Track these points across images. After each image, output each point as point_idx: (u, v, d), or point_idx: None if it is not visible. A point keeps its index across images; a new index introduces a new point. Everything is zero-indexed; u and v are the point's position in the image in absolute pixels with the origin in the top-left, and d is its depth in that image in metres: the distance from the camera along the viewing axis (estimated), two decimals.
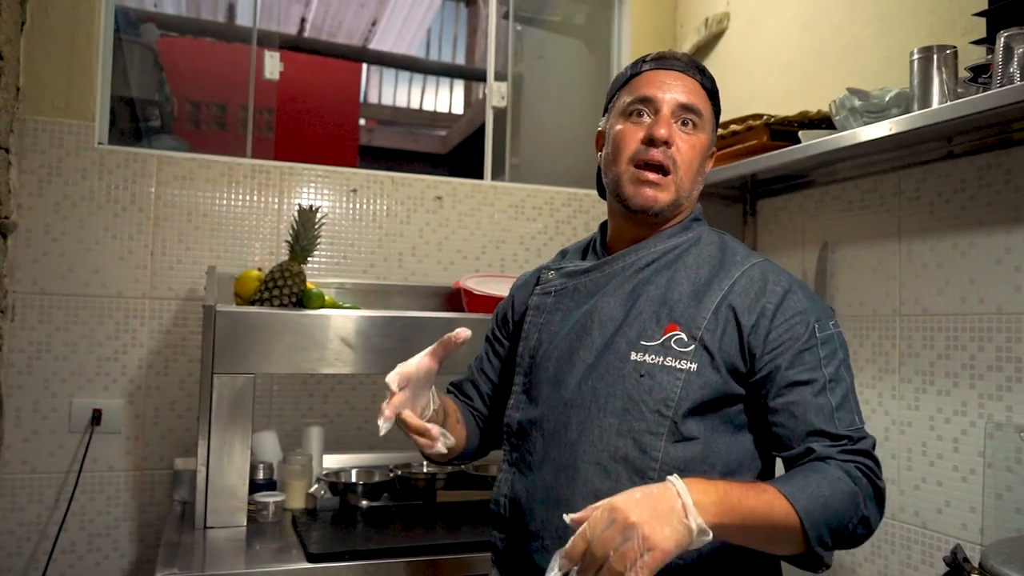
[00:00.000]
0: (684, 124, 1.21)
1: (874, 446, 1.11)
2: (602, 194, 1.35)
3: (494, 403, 1.43)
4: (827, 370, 1.11)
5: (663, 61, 1.25)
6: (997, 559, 1.25)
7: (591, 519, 0.89)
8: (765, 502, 0.97)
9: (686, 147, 1.20)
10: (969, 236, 1.77)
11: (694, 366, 1.11)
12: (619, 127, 1.23)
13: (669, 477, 0.94)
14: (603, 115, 1.33)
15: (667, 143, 1.18)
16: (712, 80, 1.28)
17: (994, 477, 1.66)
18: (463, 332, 1.12)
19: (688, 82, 1.23)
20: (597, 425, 1.13)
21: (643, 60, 1.27)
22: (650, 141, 1.19)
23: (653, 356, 1.13)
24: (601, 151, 1.31)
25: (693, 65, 1.26)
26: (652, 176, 1.19)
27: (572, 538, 0.89)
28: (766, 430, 1.13)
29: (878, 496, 1.08)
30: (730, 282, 1.16)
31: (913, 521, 1.86)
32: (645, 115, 1.21)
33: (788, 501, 0.98)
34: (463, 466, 2.31)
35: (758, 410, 1.14)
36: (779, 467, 1.17)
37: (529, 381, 1.26)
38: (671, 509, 0.89)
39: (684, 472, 1.07)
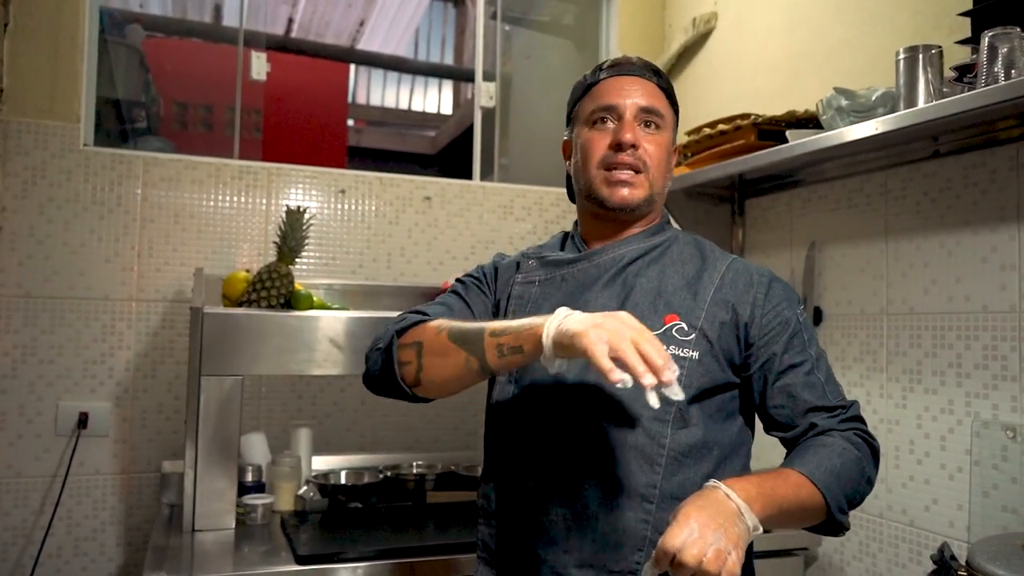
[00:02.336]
0: (647, 126, 1.25)
1: (859, 409, 1.21)
2: (572, 198, 1.40)
3: None
4: (811, 350, 1.20)
5: (620, 67, 1.29)
6: (984, 557, 1.26)
7: (670, 532, 0.92)
8: (793, 485, 1.06)
9: (653, 147, 1.25)
10: (955, 235, 1.78)
11: (696, 354, 1.16)
12: (585, 135, 1.28)
13: (710, 482, 1.02)
14: (567, 125, 1.37)
15: (634, 146, 1.23)
16: (668, 81, 1.33)
17: (981, 475, 1.67)
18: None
19: (646, 85, 1.27)
20: (604, 414, 1.15)
21: (600, 68, 1.31)
22: (618, 146, 1.23)
23: None
24: (569, 159, 1.35)
25: (649, 68, 1.30)
26: (624, 175, 1.23)
27: (656, 552, 0.92)
28: (764, 413, 1.21)
29: (875, 455, 1.18)
30: (719, 276, 1.22)
31: (900, 519, 1.87)
32: (609, 121, 1.26)
33: (810, 480, 1.07)
34: (453, 467, 2.31)
35: (757, 395, 1.21)
36: (763, 450, 1.18)
37: (519, 371, 1.25)
38: (731, 511, 0.96)
39: (687, 457, 1.14)
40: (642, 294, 1.20)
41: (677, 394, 0.95)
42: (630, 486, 1.13)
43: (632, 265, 1.24)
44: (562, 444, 1.17)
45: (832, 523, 1.10)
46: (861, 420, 1.19)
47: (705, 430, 1.16)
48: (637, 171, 1.23)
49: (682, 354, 1.15)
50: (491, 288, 1.36)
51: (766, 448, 1.36)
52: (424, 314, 1.26)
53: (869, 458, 1.16)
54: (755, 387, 1.20)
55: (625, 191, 1.23)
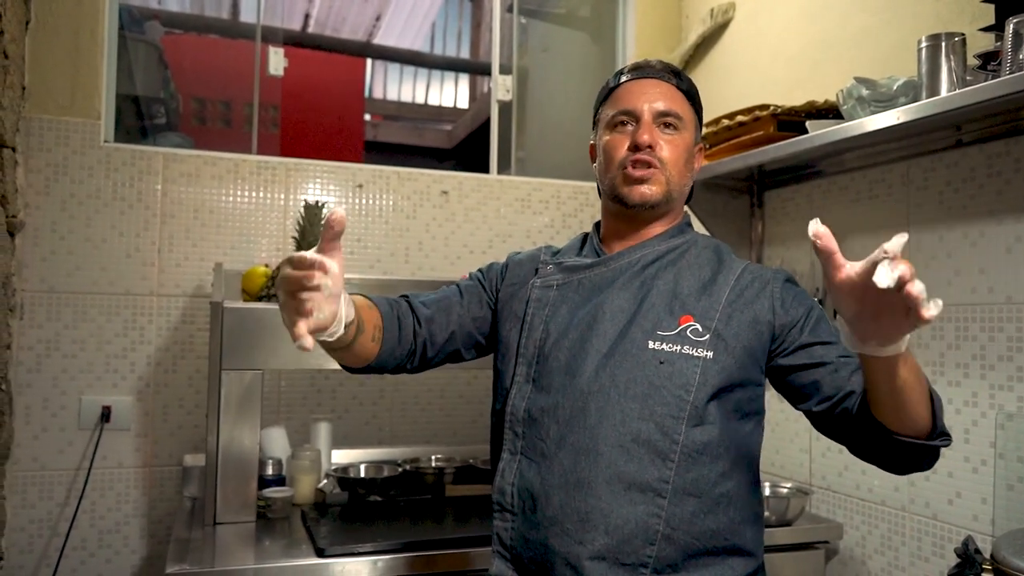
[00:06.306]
0: (666, 127, 1.30)
1: None
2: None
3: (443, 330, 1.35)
4: (832, 332, 1.25)
5: (640, 71, 1.34)
6: (1009, 550, 1.25)
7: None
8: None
9: (670, 147, 1.30)
10: (979, 225, 1.76)
11: (710, 354, 1.20)
12: (607, 138, 1.33)
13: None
14: (592, 129, 1.41)
15: (651, 147, 1.27)
16: (689, 83, 1.37)
17: (1005, 468, 1.65)
18: (337, 212, 0.94)
19: (665, 88, 1.32)
20: (619, 409, 1.18)
21: (621, 72, 1.36)
22: (635, 147, 1.28)
23: (671, 345, 1.21)
24: (595, 162, 1.40)
25: (669, 70, 1.35)
26: (642, 172, 1.28)
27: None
28: (814, 384, 1.19)
29: None
30: (735, 278, 1.27)
31: (924, 513, 1.85)
32: (629, 124, 1.31)
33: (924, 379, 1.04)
34: (472, 460, 2.31)
35: (793, 376, 1.21)
36: (764, 456, 1.17)
37: (537, 371, 1.28)
38: None
39: (701, 455, 1.17)
40: (658, 295, 1.25)
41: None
42: (642, 480, 1.16)
43: (650, 267, 1.29)
44: (576, 437, 1.19)
45: (933, 434, 1.05)
46: None
47: (721, 428, 1.19)
48: (655, 169, 1.28)
49: (696, 353, 1.19)
50: (493, 286, 1.41)
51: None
52: (406, 298, 1.33)
53: None
54: (789, 368, 1.22)
55: (644, 188, 1.28)
